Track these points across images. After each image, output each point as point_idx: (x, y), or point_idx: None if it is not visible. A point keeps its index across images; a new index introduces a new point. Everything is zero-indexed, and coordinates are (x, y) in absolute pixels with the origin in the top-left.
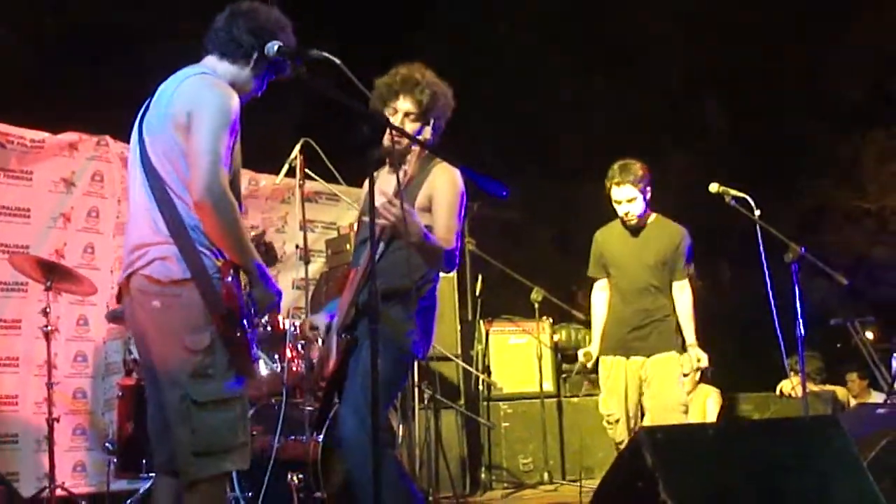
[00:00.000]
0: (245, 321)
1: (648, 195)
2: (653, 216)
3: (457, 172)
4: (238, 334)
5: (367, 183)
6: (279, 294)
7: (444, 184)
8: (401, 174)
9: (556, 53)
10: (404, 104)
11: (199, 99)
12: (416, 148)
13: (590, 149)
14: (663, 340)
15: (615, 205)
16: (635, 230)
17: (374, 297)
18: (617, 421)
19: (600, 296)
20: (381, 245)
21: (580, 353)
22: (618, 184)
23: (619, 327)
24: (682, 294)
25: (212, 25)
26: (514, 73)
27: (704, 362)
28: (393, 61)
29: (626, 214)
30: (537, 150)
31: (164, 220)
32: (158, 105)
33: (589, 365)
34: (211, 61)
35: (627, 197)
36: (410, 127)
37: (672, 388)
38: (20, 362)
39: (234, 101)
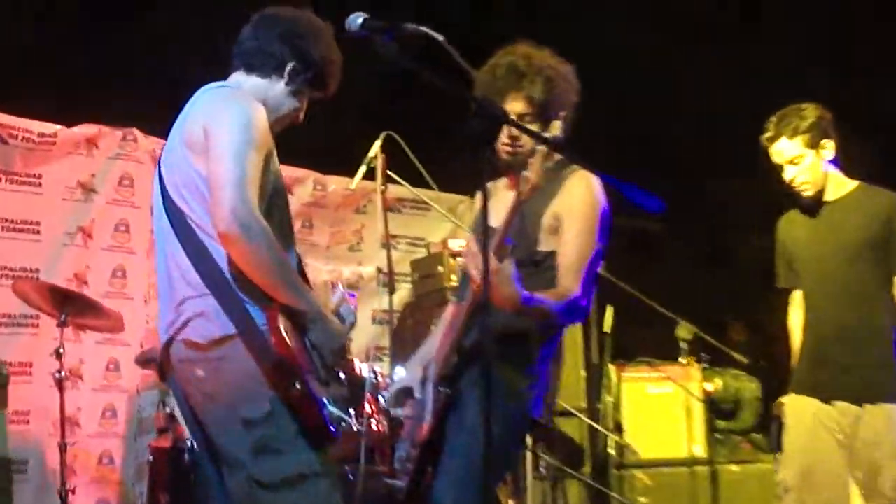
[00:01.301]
0: (310, 374)
1: (831, 153)
2: (850, 184)
3: (596, 183)
4: (302, 392)
5: (477, 197)
6: (351, 325)
7: (580, 200)
8: (522, 185)
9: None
10: (514, 105)
11: (216, 113)
12: (540, 150)
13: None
14: (883, 377)
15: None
16: (819, 208)
17: (487, 337)
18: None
19: (797, 314)
20: None
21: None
22: (771, 138)
23: (812, 353)
24: None
25: (238, 38)
26: (627, 51)
27: None
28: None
29: (794, 182)
30: (672, 137)
31: (195, 268)
32: (175, 131)
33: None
34: (238, 77)
35: (789, 156)
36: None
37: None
38: (31, 417)
39: (259, 113)
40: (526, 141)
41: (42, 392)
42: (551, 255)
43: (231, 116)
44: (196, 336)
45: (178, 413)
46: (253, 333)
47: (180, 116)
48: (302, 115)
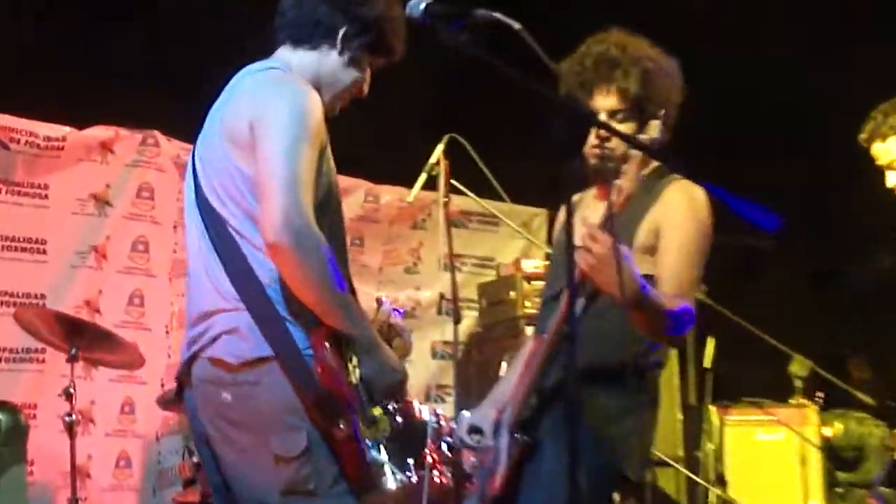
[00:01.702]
0: (356, 412)
1: None
2: None
3: (701, 194)
4: (346, 430)
5: (561, 213)
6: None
7: (681, 211)
8: (613, 195)
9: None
10: (605, 101)
11: (262, 103)
12: (635, 156)
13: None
14: None
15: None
16: None
17: (573, 375)
18: None
19: None
20: (581, 301)
21: None
22: (879, 136)
23: None
24: None
25: (279, 8)
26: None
27: None
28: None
29: None
30: (790, 137)
31: (229, 277)
32: (213, 121)
33: None
34: (283, 53)
35: (889, 159)
36: (622, 130)
37: None
38: (35, 466)
39: (313, 101)
40: (617, 143)
41: (49, 437)
42: (647, 279)
43: (281, 107)
44: (226, 354)
45: None
46: (293, 357)
47: (219, 102)
48: (366, 88)
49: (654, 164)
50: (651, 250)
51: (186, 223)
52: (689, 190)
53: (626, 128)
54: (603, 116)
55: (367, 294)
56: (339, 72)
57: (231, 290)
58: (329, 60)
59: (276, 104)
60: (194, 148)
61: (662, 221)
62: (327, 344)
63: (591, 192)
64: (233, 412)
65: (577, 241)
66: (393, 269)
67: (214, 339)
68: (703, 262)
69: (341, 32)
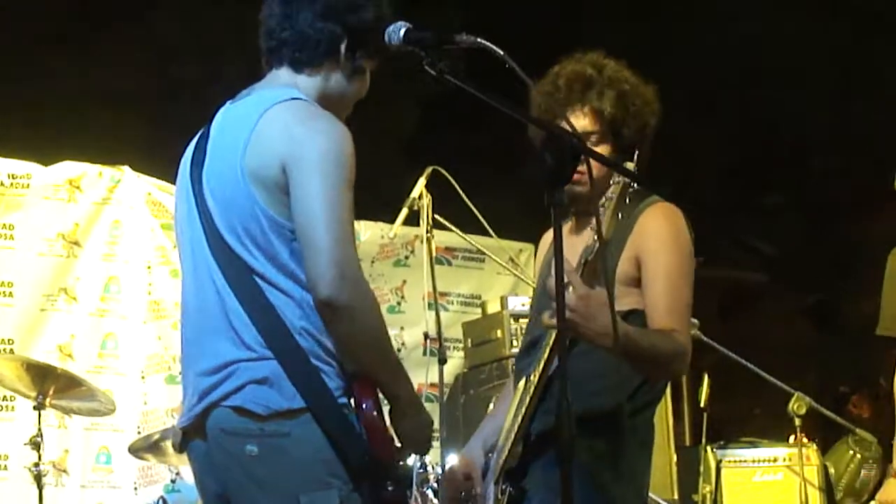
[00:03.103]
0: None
1: None
2: None
3: (679, 216)
4: (389, 488)
5: (543, 242)
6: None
7: (660, 237)
8: (599, 226)
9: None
10: (578, 122)
11: (297, 142)
12: (615, 188)
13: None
14: None
15: None
16: None
17: (567, 421)
18: None
19: None
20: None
21: None
22: None
23: None
24: None
25: (263, 27)
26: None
27: None
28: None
29: None
30: (783, 169)
31: (255, 326)
32: (224, 153)
33: None
34: (284, 77)
35: None
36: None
37: None
38: None
39: (347, 138)
40: (596, 171)
41: (21, 490)
42: (632, 314)
43: (317, 148)
44: (253, 405)
45: None
46: (328, 409)
47: (231, 130)
48: (365, 90)
49: (630, 189)
50: (634, 281)
51: (188, 264)
52: (666, 213)
53: (599, 150)
54: None
55: None
56: (344, 87)
57: (257, 338)
58: (334, 78)
59: (311, 144)
60: (193, 182)
61: (642, 249)
62: (374, 402)
63: (568, 225)
64: (259, 468)
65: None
66: None
67: (239, 388)
68: (691, 284)
69: (342, 48)
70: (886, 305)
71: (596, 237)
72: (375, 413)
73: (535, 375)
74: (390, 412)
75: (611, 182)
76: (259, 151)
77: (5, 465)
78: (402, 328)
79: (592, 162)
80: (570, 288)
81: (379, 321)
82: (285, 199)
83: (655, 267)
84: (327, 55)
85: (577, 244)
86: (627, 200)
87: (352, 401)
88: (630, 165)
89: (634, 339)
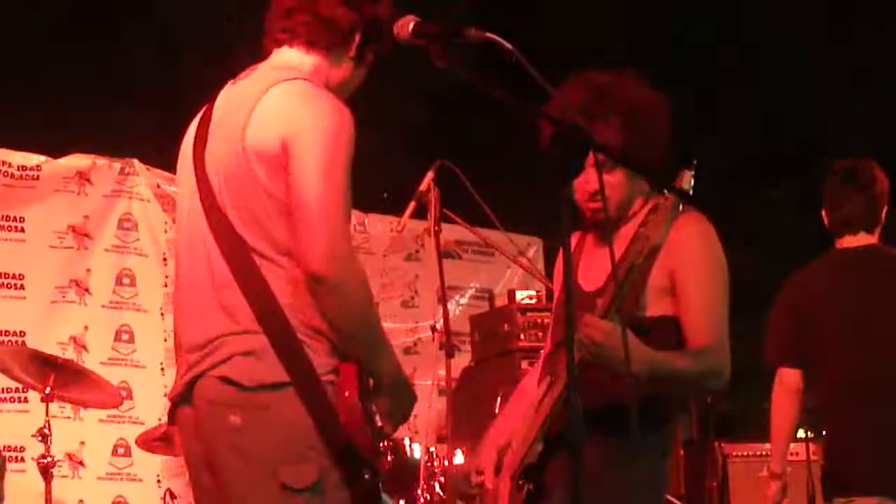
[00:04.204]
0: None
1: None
2: None
3: (710, 226)
4: (366, 475)
5: (561, 258)
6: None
7: (695, 249)
8: (638, 237)
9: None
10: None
11: (298, 120)
12: (638, 195)
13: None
14: None
15: None
16: None
17: (576, 421)
18: None
19: None
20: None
21: None
22: None
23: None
24: None
25: (276, 6)
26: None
27: None
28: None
29: None
30: (794, 161)
31: (247, 300)
32: (226, 130)
33: None
34: (292, 56)
35: None
36: (611, 180)
37: None
38: None
39: (346, 116)
40: (612, 191)
41: (37, 482)
42: (662, 321)
43: (318, 127)
44: (239, 375)
45: None
46: (311, 385)
47: (235, 108)
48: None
49: (660, 199)
50: (666, 291)
51: (186, 242)
52: (699, 224)
53: (615, 176)
54: (588, 167)
55: None
56: (351, 74)
57: (249, 314)
58: (343, 64)
59: (312, 122)
60: (196, 160)
61: (676, 262)
62: (356, 384)
63: (592, 235)
64: (241, 438)
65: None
66: (390, 302)
67: (227, 359)
68: (727, 299)
69: (357, 36)
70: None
71: (637, 256)
72: (357, 401)
73: (561, 376)
74: (374, 389)
75: (634, 198)
76: (260, 129)
77: (21, 458)
78: (416, 322)
79: (608, 184)
80: (591, 330)
81: (367, 298)
82: (286, 176)
83: (690, 281)
84: (343, 42)
85: (598, 252)
86: (681, 207)
87: (338, 380)
88: (688, 178)
89: (660, 364)
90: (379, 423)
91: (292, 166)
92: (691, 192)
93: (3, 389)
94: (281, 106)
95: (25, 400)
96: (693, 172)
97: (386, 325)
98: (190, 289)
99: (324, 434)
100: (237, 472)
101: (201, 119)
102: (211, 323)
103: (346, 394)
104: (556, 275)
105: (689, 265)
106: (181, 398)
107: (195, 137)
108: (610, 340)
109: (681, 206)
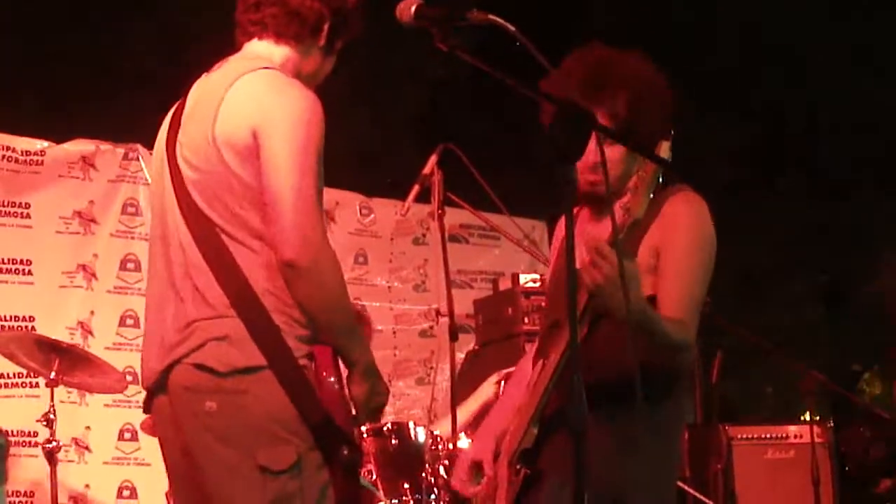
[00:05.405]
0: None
1: None
2: None
3: (702, 204)
4: (344, 451)
5: (560, 226)
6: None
7: (680, 227)
8: (618, 214)
9: None
10: None
11: (267, 109)
12: (643, 174)
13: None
14: None
15: None
16: None
17: (578, 402)
18: None
19: None
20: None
21: None
22: None
23: None
24: None
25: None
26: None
27: None
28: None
29: None
30: (794, 149)
31: (220, 284)
32: (197, 121)
33: None
34: (262, 48)
35: None
36: (611, 154)
37: None
38: (35, 499)
39: (316, 105)
40: (612, 167)
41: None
42: (649, 299)
43: (287, 113)
44: (213, 361)
45: None
46: (287, 368)
47: (206, 98)
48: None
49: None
50: (651, 269)
51: (157, 230)
52: (689, 202)
53: (615, 150)
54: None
55: (381, 312)
56: (319, 64)
57: (222, 296)
58: (313, 55)
59: (281, 110)
60: (168, 148)
61: (663, 238)
62: (332, 367)
63: (586, 213)
64: (218, 423)
65: (579, 258)
66: (402, 286)
67: (201, 346)
68: (706, 277)
69: (326, 27)
70: None
71: (618, 224)
72: (333, 380)
73: (552, 357)
74: (347, 378)
75: (632, 173)
76: (230, 118)
77: (36, 442)
78: (429, 306)
79: (608, 158)
80: (600, 257)
81: (339, 286)
82: (257, 164)
83: (670, 258)
84: (312, 33)
85: (598, 231)
86: (661, 180)
87: (312, 365)
88: (665, 147)
89: (650, 317)
90: (353, 412)
91: (263, 154)
92: (669, 161)
93: (13, 374)
94: (250, 95)
95: (36, 385)
96: (670, 143)
97: (399, 307)
98: (164, 274)
99: (302, 414)
100: (215, 457)
101: (175, 111)
102: (188, 307)
103: (324, 373)
104: (552, 252)
105: (672, 242)
106: (157, 387)
107: (168, 129)
108: (616, 276)
109: (660, 178)
